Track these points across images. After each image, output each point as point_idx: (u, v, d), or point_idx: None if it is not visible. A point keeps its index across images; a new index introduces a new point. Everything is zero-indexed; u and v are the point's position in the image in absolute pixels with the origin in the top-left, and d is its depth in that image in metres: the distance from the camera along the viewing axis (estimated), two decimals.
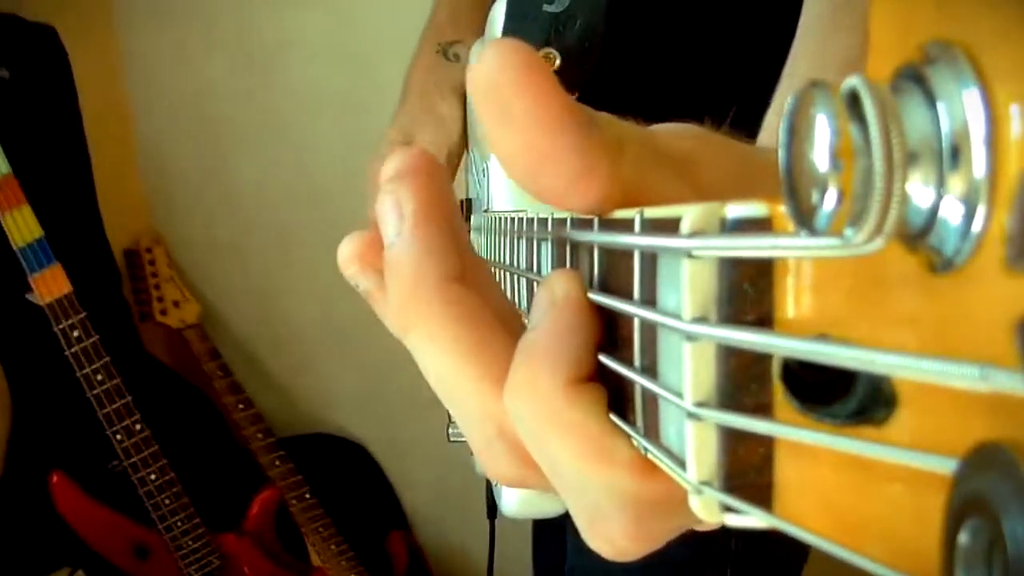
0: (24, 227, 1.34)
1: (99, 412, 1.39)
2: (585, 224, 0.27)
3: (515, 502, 0.54)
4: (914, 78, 0.14)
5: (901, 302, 0.15)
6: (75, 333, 1.36)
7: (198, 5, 1.72)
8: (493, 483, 0.62)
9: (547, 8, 0.50)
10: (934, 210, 0.13)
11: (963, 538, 0.12)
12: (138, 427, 1.42)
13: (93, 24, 1.74)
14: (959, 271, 0.13)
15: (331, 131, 1.71)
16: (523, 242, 0.37)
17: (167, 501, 1.46)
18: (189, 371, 1.72)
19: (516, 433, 0.24)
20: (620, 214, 0.24)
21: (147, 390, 1.51)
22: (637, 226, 0.22)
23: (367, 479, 1.78)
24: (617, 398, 0.25)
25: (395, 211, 0.26)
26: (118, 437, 1.41)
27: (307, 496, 1.60)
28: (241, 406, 1.63)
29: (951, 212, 0.13)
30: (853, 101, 0.14)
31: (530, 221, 0.36)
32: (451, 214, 0.26)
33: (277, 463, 1.61)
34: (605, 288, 0.25)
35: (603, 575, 0.76)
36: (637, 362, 0.22)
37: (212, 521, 1.53)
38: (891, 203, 0.13)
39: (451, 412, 0.26)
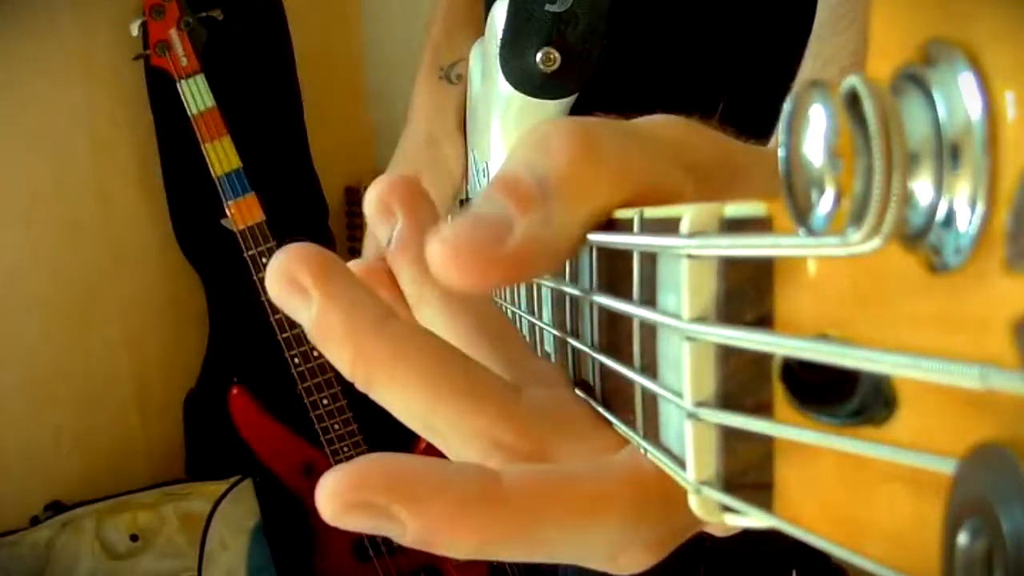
0: (224, 157, 1.44)
1: (279, 336, 1.47)
2: None
3: None
4: (914, 78, 0.14)
5: (901, 302, 0.15)
6: (264, 260, 1.43)
7: None
8: None
9: (549, 8, 0.50)
10: (934, 210, 0.13)
11: (963, 538, 0.12)
12: (316, 353, 1.47)
13: None
14: (959, 271, 0.13)
15: None
16: None
17: (336, 427, 1.51)
18: None
19: (512, 438, 0.24)
20: (620, 214, 0.24)
21: None
22: (637, 226, 0.22)
23: None
24: (617, 398, 0.25)
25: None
26: (295, 361, 1.48)
27: None
28: None
29: (951, 212, 0.13)
30: (853, 101, 0.14)
31: None
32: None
33: None
34: (604, 287, 0.25)
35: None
36: (637, 362, 0.22)
37: (382, 450, 1.57)
38: (890, 203, 0.13)
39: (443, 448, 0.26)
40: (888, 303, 0.15)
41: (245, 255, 1.44)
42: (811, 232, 0.15)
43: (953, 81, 0.13)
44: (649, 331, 0.22)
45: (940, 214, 0.13)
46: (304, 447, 1.55)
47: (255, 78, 1.60)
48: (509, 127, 0.55)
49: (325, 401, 1.50)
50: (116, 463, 1.56)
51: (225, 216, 1.45)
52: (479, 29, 0.63)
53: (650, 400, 0.22)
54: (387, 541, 1.58)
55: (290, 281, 0.23)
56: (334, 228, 1.75)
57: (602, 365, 0.26)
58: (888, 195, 0.13)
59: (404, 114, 1.82)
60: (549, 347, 0.32)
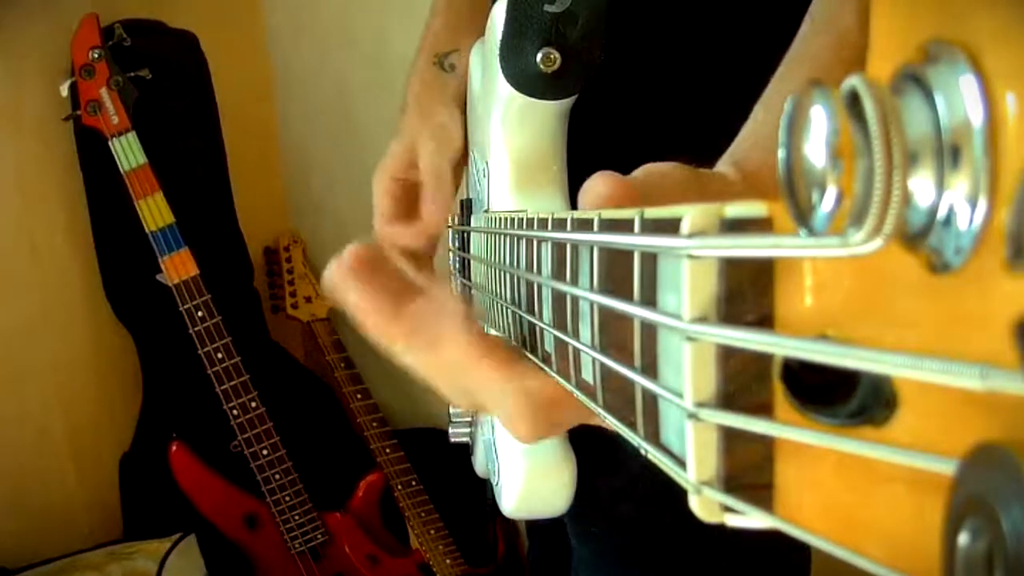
0: (157, 213, 1.46)
1: (217, 388, 1.49)
2: (585, 224, 0.27)
3: (514, 502, 0.54)
4: (914, 78, 0.14)
5: (901, 302, 0.15)
6: (199, 313, 1.47)
7: (338, 14, 1.78)
8: (494, 483, 0.62)
9: (548, 8, 0.50)
10: (934, 210, 0.13)
11: (963, 538, 0.12)
12: (253, 404, 1.50)
13: (239, 33, 1.84)
14: (959, 271, 0.13)
15: None
16: (523, 242, 0.37)
17: (277, 476, 1.54)
18: (314, 362, 1.80)
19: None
20: (620, 214, 0.24)
21: (270, 376, 1.62)
22: (637, 226, 0.22)
23: (472, 473, 1.81)
24: (617, 398, 0.25)
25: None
26: (234, 412, 1.50)
27: (413, 483, 1.67)
28: (359, 396, 1.71)
29: (951, 212, 0.13)
30: (853, 101, 0.14)
31: (530, 221, 0.36)
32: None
33: (387, 451, 1.68)
34: (605, 288, 0.25)
35: (595, 570, 0.76)
36: (637, 362, 0.22)
37: (320, 499, 1.61)
38: (891, 203, 0.13)
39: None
40: (888, 303, 0.15)
41: (180, 308, 1.45)
42: (812, 232, 0.15)
43: (953, 81, 0.13)
44: (649, 331, 0.22)
45: (940, 214, 0.13)
46: (245, 499, 1.57)
47: (184, 135, 1.61)
48: (509, 127, 0.55)
49: (265, 451, 1.52)
50: (56, 524, 1.54)
51: (159, 271, 1.46)
52: (480, 28, 0.63)
53: (650, 400, 0.22)
54: None
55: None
56: (256, 286, 1.79)
57: (602, 365, 0.26)
58: (889, 195, 0.13)
59: (315, 173, 1.87)
60: (549, 347, 0.32)
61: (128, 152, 1.44)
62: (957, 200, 0.13)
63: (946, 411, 0.14)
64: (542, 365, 0.33)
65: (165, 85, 1.55)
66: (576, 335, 0.28)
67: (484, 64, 0.64)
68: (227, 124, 1.67)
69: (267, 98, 1.90)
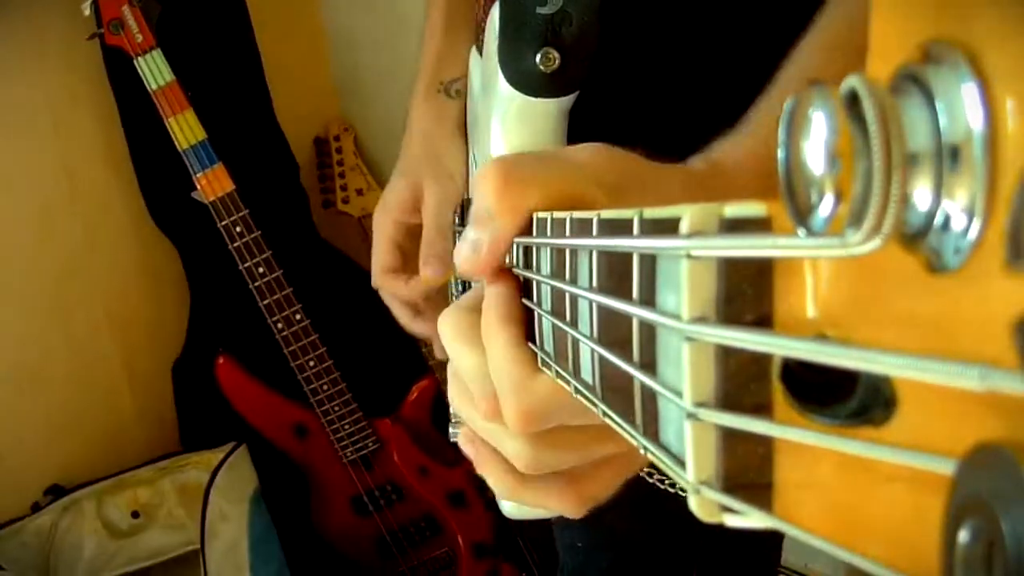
0: (188, 130, 1.43)
1: (260, 302, 1.47)
2: (585, 225, 0.27)
3: (511, 504, 0.54)
4: (914, 78, 0.14)
5: (900, 302, 0.15)
6: (237, 229, 1.45)
7: None
8: None
9: (540, 10, 0.50)
10: (933, 210, 0.13)
11: (963, 538, 0.12)
12: (298, 317, 1.48)
13: None
14: (958, 271, 0.13)
15: None
16: (523, 243, 0.37)
17: (324, 387, 1.52)
18: (367, 259, 1.73)
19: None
20: (620, 214, 0.24)
21: (320, 278, 1.60)
22: (636, 227, 0.22)
23: None
24: (616, 397, 0.25)
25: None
26: (279, 326, 1.48)
27: None
28: None
29: (950, 213, 0.13)
30: (852, 101, 0.14)
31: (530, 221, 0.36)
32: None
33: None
34: (604, 288, 0.25)
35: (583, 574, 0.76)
36: (637, 362, 0.22)
37: (372, 405, 1.58)
38: (890, 203, 0.13)
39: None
40: (887, 303, 0.15)
41: (219, 225, 1.44)
42: (811, 233, 0.15)
43: (953, 83, 0.13)
44: (649, 331, 0.22)
45: (940, 215, 0.13)
46: (294, 409, 1.56)
47: (212, 46, 1.58)
48: (510, 127, 0.55)
49: (312, 363, 1.50)
50: (111, 441, 1.55)
51: (195, 189, 1.44)
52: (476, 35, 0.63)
53: (650, 400, 0.22)
54: (385, 495, 1.60)
55: None
56: (306, 182, 1.73)
57: (601, 365, 0.26)
58: (888, 196, 0.13)
59: (365, 59, 1.82)
60: (549, 346, 0.32)
61: (154, 70, 1.41)
62: (956, 200, 0.13)
63: (945, 411, 0.14)
64: (544, 358, 0.33)
65: None
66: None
67: (483, 65, 0.64)
68: (264, 16, 1.63)
69: None
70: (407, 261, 0.77)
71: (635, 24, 0.63)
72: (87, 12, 1.40)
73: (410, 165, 0.75)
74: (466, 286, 0.71)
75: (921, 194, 0.13)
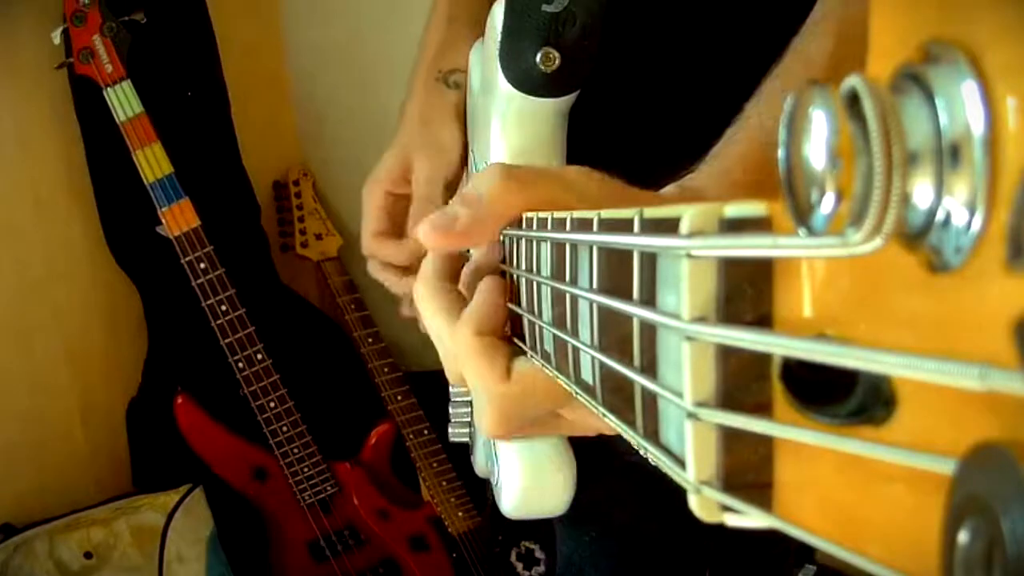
0: (155, 163, 1.41)
1: (222, 341, 1.45)
2: (585, 224, 0.27)
3: (513, 502, 0.54)
4: (914, 78, 0.14)
5: (900, 302, 0.14)
6: (202, 265, 1.43)
7: None
8: (493, 483, 0.62)
9: (546, 8, 0.50)
10: (933, 210, 0.13)
11: (963, 538, 0.12)
12: (259, 356, 1.47)
13: None
14: (958, 271, 0.13)
15: None
16: (523, 242, 0.37)
17: (285, 429, 1.51)
18: (325, 303, 1.75)
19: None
20: (620, 214, 0.24)
21: (279, 320, 1.58)
22: (636, 226, 0.22)
23: None
24: (616, 397, 0.25)
25: None
26: (240, 365, 1.47)
27: (425, 432, 1.63)
28: (370, 340, 1.66)
29: (951, 212, 0.13)
30: (853, 100, 0.14)
31: (529, 221, 0.36)
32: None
33: (399, 397, 1.64)
34: (604, 288, 0.25)
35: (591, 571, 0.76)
36: (636, 362, 0.22)
37: (331, 449, 1.58)
38: (890, 203, 0.13)
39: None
40: (888, 303, 0.15)
41: (182, 261, 1.42)
42: (811, 232, 0.15)
43: (954, 83, 0.13)
44: (649, 331, 0.22)
45: (940, 214, 0.13)
46: (253, 452, 1.55)
47: (182, 80, 1.57)
48: (509, 126, 0.55)
49: (272, 404, 1.49)
50: (63, 480, 1.53)
51: (160, 223, 1.42)
52: (479, 31, 0.63)
53: (650, 399, 0.22)
54: (343, 540, 1.59)
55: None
56: (265, 225, 1.73)
57: (602, 365, 0.26)
58: (888, 195, 0.13)
59: (326, 104, 1.81)
60: (549, 346, 0.32)
61: (124, 101, 1.39)
62: (957, 199, 0.13)
63: (945, 411, 0.14)
64: (542, 362, 0.33)
65: (161, 28, 1.49)
66: (576, 335, 0.28)
67: (484, 64, 0.64)
68: (233, 55, 1.63)
69: (272, 26, 1.84)
70: (395, 225, 0.77)
71: (638, 27, 0.63)
72: (57, 41, 1.38)
73: (406, 142, 0.76)
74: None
75: (921, 193, 0.13)
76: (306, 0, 1.81)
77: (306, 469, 1.54)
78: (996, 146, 0.12)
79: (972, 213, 0.13)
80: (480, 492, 1.62)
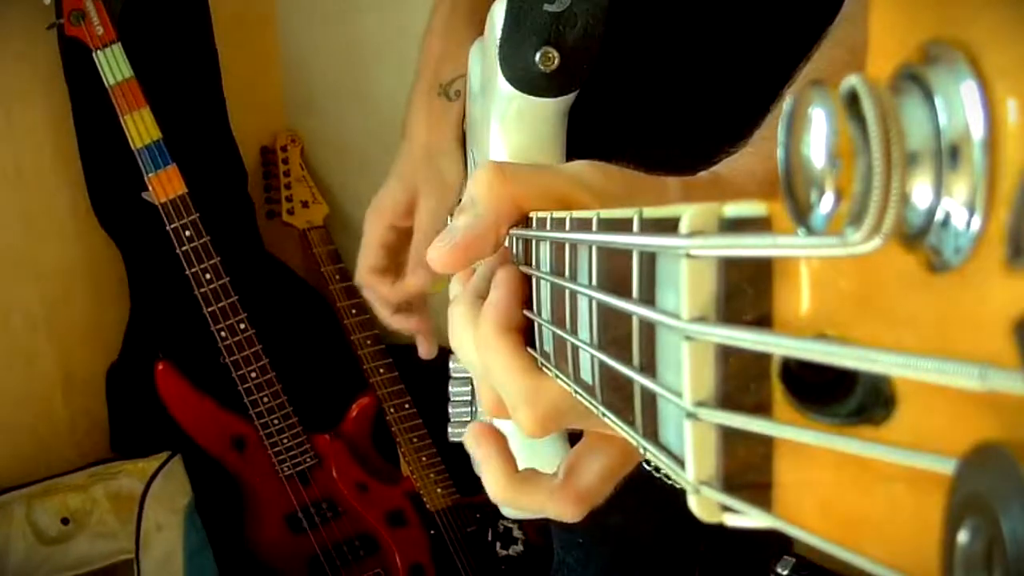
0: (143, 129, 1.39)
1: (205, 309, 1.44)
2: (584, 224, 0.27)
3: None
4: (914, 78, 0.14)
5: (900, 302, 0.14)
6: (187, 233, 1.41)
7: None
8: None
9: (547, 8, 0.50)
10: (933, 210, 0.13)
11: (963, 538, 0.12)
12: (242, 326, 1.46)
13: None
14: (958, 271, 0.13)
15: None
16: (523, 242, 0.37)
17: (265, 399, 1.50)
18: (309, 272, 1.74)
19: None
20: (619, 214, 0.24)
21: (263, 288, 1.58)
22: (636, 226, 0.22)
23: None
24: (616, 397, 0.25)
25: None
26: (222, 334, 1.46)
27: (406, 406, 1.62)
28: (354, 311, 1.64)
29: (950, 212, 0.13)
30: (852, 100, 0.14)
31: (529, 221, 0.36)
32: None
33: (381, 370, 1.63)
34: (604, 287, 0.25)
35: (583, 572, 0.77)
36: (636, 361, 0.22)
37: (311, 420, 1.57)
38: (890, 203, 0.13)
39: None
40: (887, 303, 0.15)
41: (167, 228, 1.40)
42: (811, 232, 0.15)
43: (953, 83, 0.13)
44: (648, 330, 0.22)
45: (939, 214, 0.13)
46: (233, 421, 1.53)
47: (173, 45, 1.55)
48: (509, 126, 0.55)
49: (253, 374, 1.48)
50: (41, 445, 1.52)
51: (146, 189, 1.41)
52: (475, 35, 0.63)
53: (649, 399, 0.22)
54: (321, 512, 1.58)
55: None
56: (252, 192, 1.72)
57: (601, 364, 0.26)
58: (888, 195, 0.13)
59: (317, 74, 1.82)
60: (549, 346, 0.32)
61: (113, 65, 1.37)
62: (956, 199, 0.13)
63: (945, 410, 0.14)
64: (542, 362, 0.33)
65: None
66: (575, 334, 0.28)
67: (483, 63, 0.64)
68: (222, 20, 1.62)
69: None
70: (393, 261, 0.78)
71: (639, 28, 0.63)
72: (48, 1, 1.36)
73: (407, 170, 0.76)
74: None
75: (921, 193, 0.13)
76: None
77: (286, 440, 1.53)
78: (995, 146, 0.12)
79: (971, 213, 0.13)
80: (458, 470, 1.61)
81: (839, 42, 0.45)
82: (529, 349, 0.34)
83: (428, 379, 1.68)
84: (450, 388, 0.72)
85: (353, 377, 1.63)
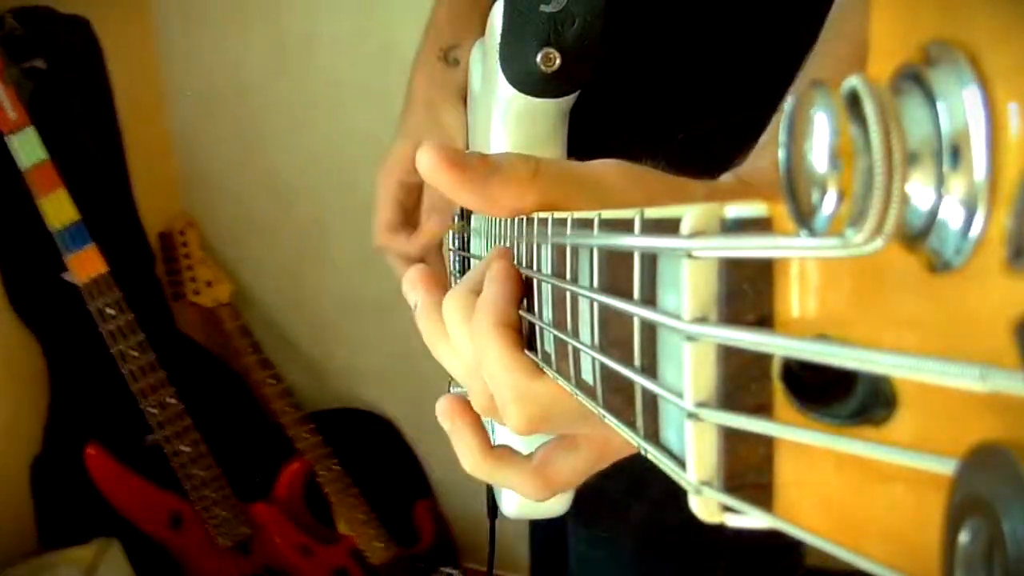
0: (60, 210, 1.39)
1: (132, 386, 1.44)
2: (585, 224, 0.27)
3: (515, 503, 0.54)
4: (914, 78, 0.14)
5: (901, 302, 0.15)
6: (110, 311, 1.41)
7: None
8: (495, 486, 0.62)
9: (544, 8, 0.50)
10: (934, 210, 0.13)
11: (963, 538, 0.12)
12: (172, 400, 1.46)
13: (129, 15, 1.77)
14: (959, 271, 0.13)
15: (358, 117, 1.73)
16: (523, 243, 0.37)
17: (199, 472, 1.50)
18: (221, 348, 1.76)
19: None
20: (620, 214, 0.24)
21: (180, 367, 1.56)
22: (637, 227, 0.22)
23: (393, 451, 1.83)
24: (617, 397, 0.25)
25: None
26: (152, 411, 1.46)
27: (335, 467, 1.64)
28: (271, 381, 1.67)
29: (951, 212, 0.13)
30: (853, 101, 0.14)
31: (530, 221, 0.36)
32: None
33: (306, 435, 1.65)
34: (605, 288, 0.25)
35: (604, 573, 0.76)
36: (637, 362, 0.22)
37: (243, 491, 1.58)
38: (891, 203, 0.13)
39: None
40: (888, 303, 0.15)
41: (89, 307, 1.39)
42: (812, 233, 0.15)
43: (954, 81, 0.13)
44: (649, 331, 0.22)
45: (940, 215, 0.13)
46: (168, 498, 1.53)
47: (83, 127, 1.56)
48: (510, 127, 0.55)
49: (187, 447, 1.47)
50: None
51: (65, 271, 1.39)
52: (482, 19, 0.63)
53: (650, 400, 0.22)
54: None
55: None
56: (157, 272, 1.75)
57: (602, 365, 0.26)
58: (889, 196, 0.13)
59: (209, 154, 1.83)
60: (549, 347, 0.32)
61: (27, 148, 1.36)
62: (957, 200, 0.13)
63: (946, 411, 0.14)
64: (542, 364, 0.33)
65: (61, 74, 1.48)
66: (576, 335, 0.28)
67: (484, 64, 0.64)
68: (119, 108, 1.62)
69: (152, 79, 1.84)
70: (408, 217, 0.78)
71: (639, 26, 0.63)
72: None
73: (411, 125, 0.76)
74: (465, 265, 0.71)
75: (922, 193, 0.13)
76: (185, 50, 1.82)
77: (222, 512, 1.53)
78: (996, 147, 0.12)
79: (972, 214, 0.13)
80: (394, 525, 1.65)
81: (841, 35, 0.45)
82: (528, 352, 0.34)
83: (347, 439, 1.73)
84: (450, 388, 0.72)
85: (279, 445, 1.66)
